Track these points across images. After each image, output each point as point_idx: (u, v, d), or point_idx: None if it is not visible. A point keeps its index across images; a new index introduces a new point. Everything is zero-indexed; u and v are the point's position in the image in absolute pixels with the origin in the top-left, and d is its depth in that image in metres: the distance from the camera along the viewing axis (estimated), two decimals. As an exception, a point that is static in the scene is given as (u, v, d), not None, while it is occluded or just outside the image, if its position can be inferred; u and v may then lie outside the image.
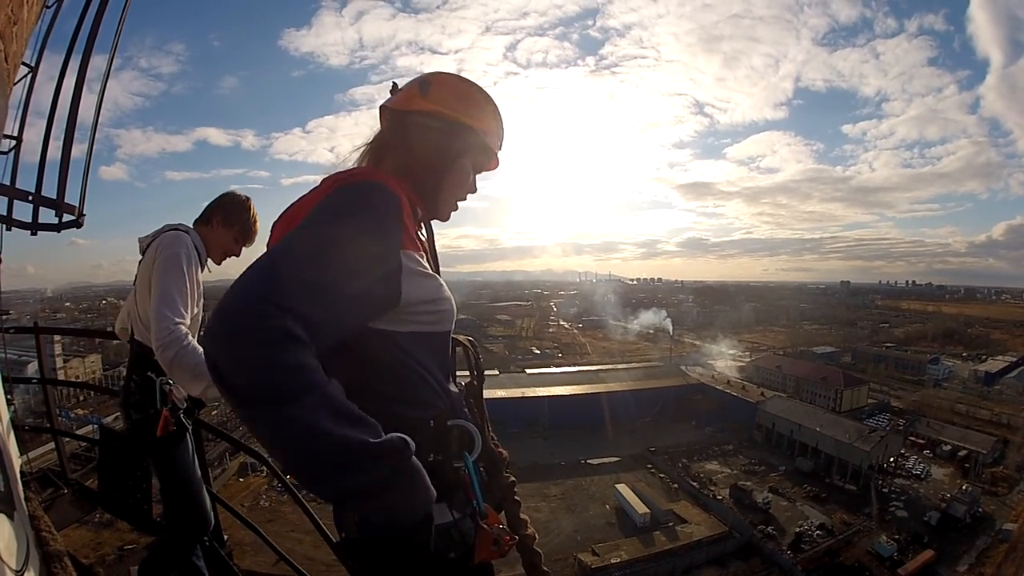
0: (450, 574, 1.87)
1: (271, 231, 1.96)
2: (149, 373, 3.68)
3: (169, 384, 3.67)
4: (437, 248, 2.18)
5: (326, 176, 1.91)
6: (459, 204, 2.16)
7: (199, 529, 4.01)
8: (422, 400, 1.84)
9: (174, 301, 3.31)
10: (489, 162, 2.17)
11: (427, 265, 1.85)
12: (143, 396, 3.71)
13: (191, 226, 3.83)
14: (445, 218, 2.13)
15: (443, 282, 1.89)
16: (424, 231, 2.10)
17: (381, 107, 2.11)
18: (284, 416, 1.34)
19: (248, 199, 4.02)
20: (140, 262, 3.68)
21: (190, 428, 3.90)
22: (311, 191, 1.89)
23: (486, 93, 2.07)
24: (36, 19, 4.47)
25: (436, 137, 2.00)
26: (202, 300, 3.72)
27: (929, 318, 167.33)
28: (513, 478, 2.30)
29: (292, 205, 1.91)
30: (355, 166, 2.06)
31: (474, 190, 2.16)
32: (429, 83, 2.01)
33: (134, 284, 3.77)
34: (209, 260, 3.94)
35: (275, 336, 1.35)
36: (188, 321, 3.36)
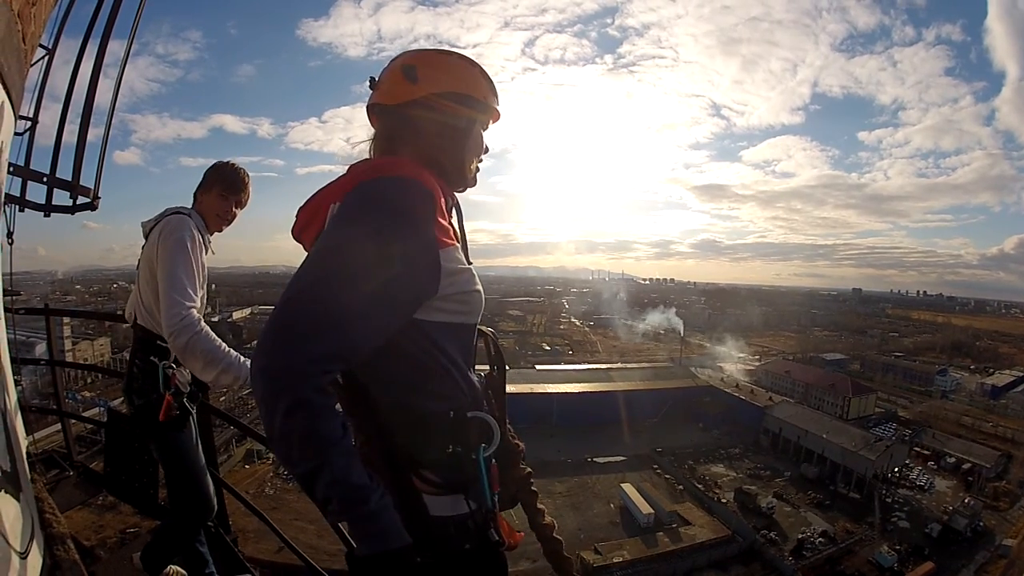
0: (466, 564, 1.90)
1: (296, 217, 1.97)
2: (152, 357, 3.68)
3: (172, 368, 3.66)
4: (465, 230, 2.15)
5: (352, 165, 1.91)
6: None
7: (201, 515, 3.98)
8: (444, 392, 1.86)
9: (183, 286, 3.31)
10: (492, 119, 2.17)
11: (461, 257, 1.87)
12: (145, 381, 3.71)
13: (191, 209, 3.81)
14: (474, 183, 2.15)
15: (475, 273, 1.90)
16: (455, 212, 2.11)
17: (370, 105, 2.10)
18: (314, 474, 1.54)
19: (228, 161, 3.93)
20: (143, 246, 3.68)
21: (193, 413, 3.88)
22: (337, 180, 1.89)
23: (466, 56, 2.06)
24: (55, 1, 4.47)
25: (445, 119, 1.99)
26: (207, 283, 3.71)
27: (939, 329, 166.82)
28: (529, 469, 2.31)
29: (318, 193, 1.91)
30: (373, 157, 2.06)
31: (487, 150, 2.18)
32: (413, 67, 1.98)
33: (137, 268, 3.76)
34: (212, 241, 3.91)
35: (309, 407, 1.51)
36: (199, 304, 3.38)
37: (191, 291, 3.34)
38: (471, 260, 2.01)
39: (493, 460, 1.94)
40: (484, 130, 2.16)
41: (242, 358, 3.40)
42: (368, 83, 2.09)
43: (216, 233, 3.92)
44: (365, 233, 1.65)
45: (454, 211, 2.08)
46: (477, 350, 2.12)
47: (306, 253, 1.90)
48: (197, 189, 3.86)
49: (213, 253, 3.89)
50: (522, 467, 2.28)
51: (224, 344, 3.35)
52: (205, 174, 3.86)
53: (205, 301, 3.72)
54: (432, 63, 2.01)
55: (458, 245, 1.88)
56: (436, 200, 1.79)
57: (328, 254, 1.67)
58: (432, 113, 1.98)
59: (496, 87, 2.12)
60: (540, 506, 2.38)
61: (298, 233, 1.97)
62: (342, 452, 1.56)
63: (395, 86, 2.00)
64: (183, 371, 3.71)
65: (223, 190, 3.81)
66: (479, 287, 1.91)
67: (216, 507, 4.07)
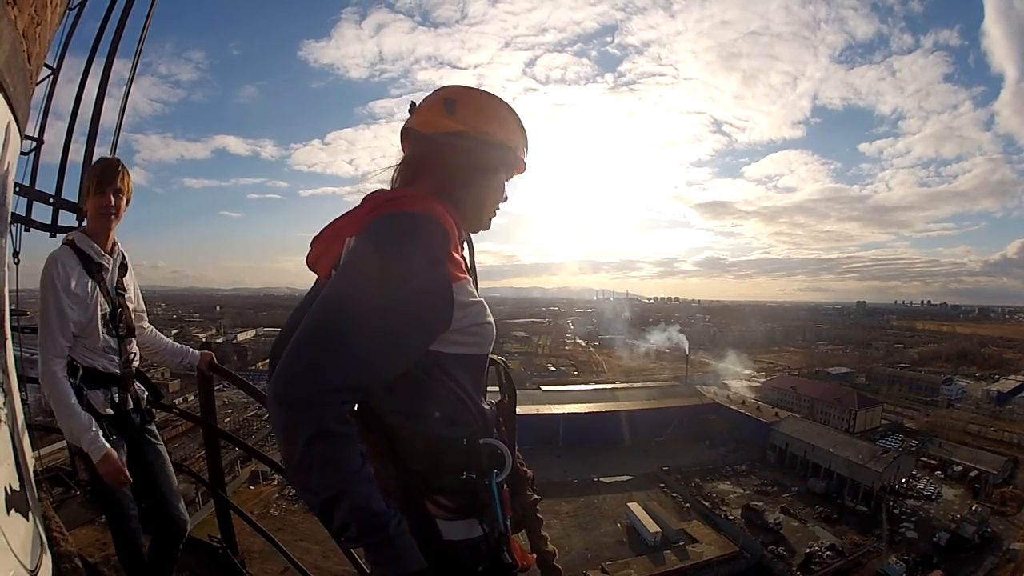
0: None
1: (311, 246, 2.02)
2: (70, 377, 3.66)
3: (83, 387, 3.68)
4: (475, 261, 2.18)
5: (367, 195, 1.94)
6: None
7: (118, 536, 3.94)
8: (457, 419, 1.90)
9: (44, 338, 3.48)
10: (517, 169, 2.19)
11: (473, 290, 1.91)
12: None
13: (77, 230, 3.85)
14: (488, 227, 2.19)
15: (486, 305, 1.93)
16: (466, 245, 2.13)
17: (404, 129, 2.12)
18: (331, 501, 1.59)
19: (102, 157, 3.91)
20: None
21: (115, 438, 3.77)
22: (352, 211, 1.94)
23: (507, 103, 2.09)
24: (59, 21, 4.49)
25: (472, 156, 2.02)
26: (98, 300, 3.72)
27: (943, 338, 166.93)
28: (537, 496, 2.35)
29: (333, 224, 1.96)
30: (390, 187, 2.10)
31: (506, 199, 2.20)
32: (454, 101, 2.02)
33: None
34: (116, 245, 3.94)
35: (330, 436, 1.57)
36: (64, 346, 3.54)
37: (51, 341, 3.49)
38: (478, 285, 2.06)
39: (505, 485, 1.99)
40: (507, 179, 2.19)
41: (89, 425, 3.49)
42: (408, 108, 2.12)
43: (113, 229, 3.88)
44: (380, 269, 1.68)
45: (465, 244, 2.11)
46: (488, 375, 2.15)
47: (318, 281, 2.02)
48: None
49: (124, 261, 3.98)
50: (530, 494, 2.33)
51: (71, 404, 3.48)
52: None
53: (102, 322, 3.76)
54: (473, 101, 2.05)
55: (470, 279, 1.91)
56: (450, 235, 1.82)
57: (345, 288, 1.72)
58: (461, 149, 2.00)
59: (528, 140, 2.16)
60: (544, 533, 2.41)
61: (312, 263, 2.03)
62: (362, 480, 1.60)
63: (433, 115, 2.03)
64: (97, 393, 3.76)
65: (96, 186, 3.74)
66: (491, 319, 1.94)
67: (139, 544, 3.96)
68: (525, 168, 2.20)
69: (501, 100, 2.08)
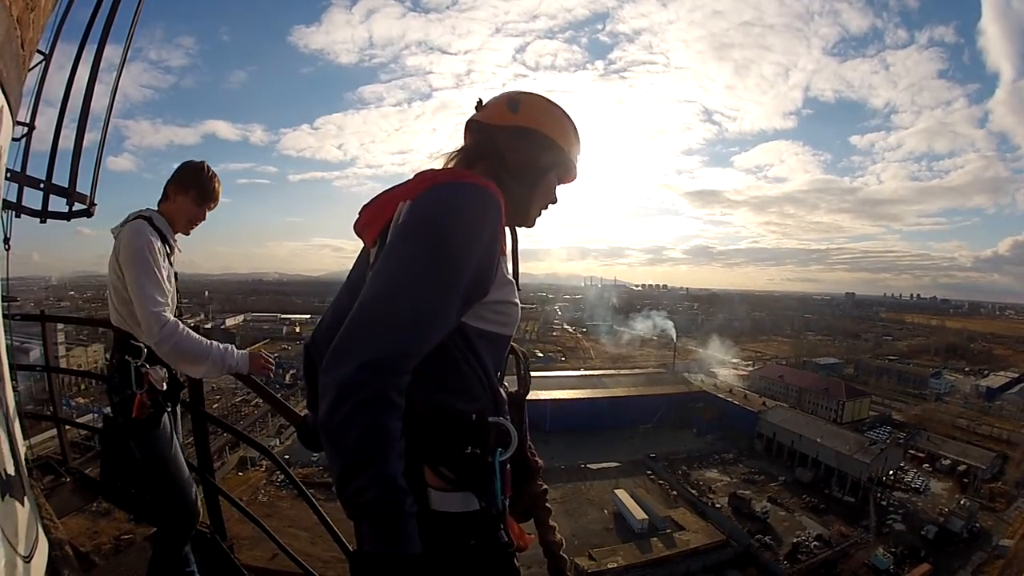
0: (473, 562, 1.93)
1: (359, 215, 2.10)
2: (126, 356, 3.72)
3: (145, 366, 3.71)
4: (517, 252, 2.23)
5: (419, 172, 1.99)
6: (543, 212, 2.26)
7: (183, 519, 3.97)
8: (471, 395, 1.92)
9: (152, 295, 3.41)
10: (569, 175, 2.26)
11: (509, 269, 2.05)
12: (122, 379, 3.74)
13: (156, 208, 3.82)
14: (532, 225, 2.24)
15: (516, 288, 2.00)
16: (510, 235, 2.18)
17: (468, 121, 2.18)
18: (361, 470, 1.59)
19: (202, 162, 3.92)
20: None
21: (169, 410, 3.92)
22: (405, 183, 1.98)
23: (567, 113, 2.17)
24: (52, 7, 4.47)
25: (527, 150, 2.09)
26: (175, 285, 3.75)
27: (933, 332, 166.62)
28: (545, 487, 2.38)
29: (384, 193, 2.04)
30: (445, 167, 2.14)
31: (556, 200, 2.26)
32: (518, 101, 2.11)
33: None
34: (179, 240, 3.93)
35: (386, 404, 1.61)
36: (172, 306, 3.54)
37: (160, 297, 3.44)
38: (519, 274, 2.15)
39: (508, 465, 2.02)
40: (559, 183, 2.24)
41: (222, 345, 3.60)
42: (475, 105, 2.19)
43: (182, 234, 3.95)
44: (440, 230, 1.75)
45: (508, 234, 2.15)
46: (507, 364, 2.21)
47: (363, 246, 2.13)
48: (167, 189, 3.84)
49: (180, 251, 3.92)
50: (539, 484, 2.36)
51: (204, 340, 3.51)
52: (178, 176, 3.84)
53: (176, 302, 3.76)
54: (536, 104, 2.14)
55: (507, 256, 2.01)
56: (503, 212, 1.86)
57: (415, 252, 1.76)
58: (519, 143, 2.08)
59: (581, 151, 2.24)
60: (552, 523, 2.41)
61: (360, 229, 2.11)
62: (399, 453, 1.64)
63: (497, 110, 2.13)
64: (157, 369, 3.78)
65: (198, 197, 3.84)
66: (518, 301, 2.00)
67: (198, 511, 4.03)
68: (576, 176, 2.26)
69: (562, 108, 2.16)
